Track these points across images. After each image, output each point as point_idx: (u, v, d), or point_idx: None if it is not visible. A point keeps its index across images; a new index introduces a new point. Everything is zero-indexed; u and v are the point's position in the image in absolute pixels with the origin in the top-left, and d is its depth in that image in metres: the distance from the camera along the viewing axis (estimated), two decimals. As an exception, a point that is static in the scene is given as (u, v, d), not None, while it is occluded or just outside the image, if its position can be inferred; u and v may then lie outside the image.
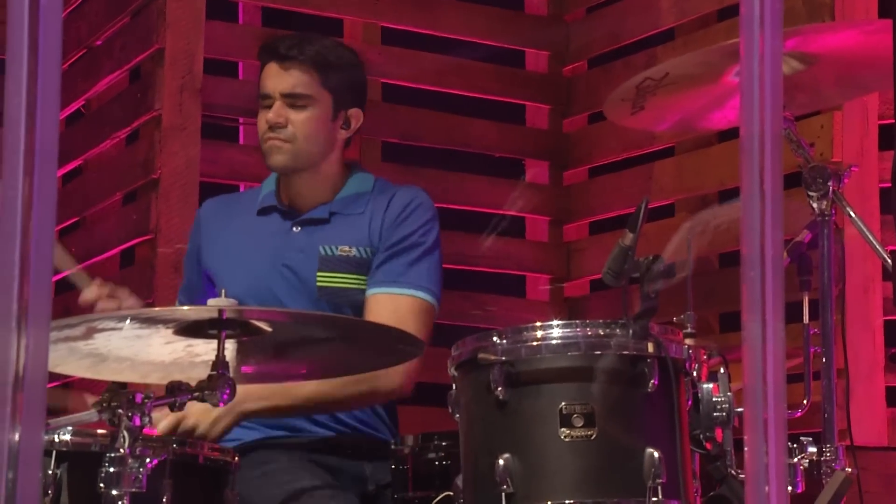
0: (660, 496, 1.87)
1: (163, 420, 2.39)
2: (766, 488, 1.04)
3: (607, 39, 4.10)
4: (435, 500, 2.27)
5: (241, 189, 3.70)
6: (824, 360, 2.35)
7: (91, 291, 2.59)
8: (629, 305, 1.95)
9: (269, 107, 2.68)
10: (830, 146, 3.35)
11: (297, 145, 2.67)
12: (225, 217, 2.81)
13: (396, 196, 2.72)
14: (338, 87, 2.71)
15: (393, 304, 2.60)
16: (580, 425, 1.88)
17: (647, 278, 1.91)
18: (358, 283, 2.66)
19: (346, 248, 2.67)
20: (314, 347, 2.14)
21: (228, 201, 2.91)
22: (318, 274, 2.66)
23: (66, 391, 3.00)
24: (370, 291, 2.64)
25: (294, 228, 2.72)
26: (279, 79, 2.67)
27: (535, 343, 1.94)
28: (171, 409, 1.88)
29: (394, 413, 2.74)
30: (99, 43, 3.92)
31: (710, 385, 2.08)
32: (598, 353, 1.92)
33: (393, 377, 2.58)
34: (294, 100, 2.67)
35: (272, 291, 2.65)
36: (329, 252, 2.67)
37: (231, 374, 1.92)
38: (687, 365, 2.00)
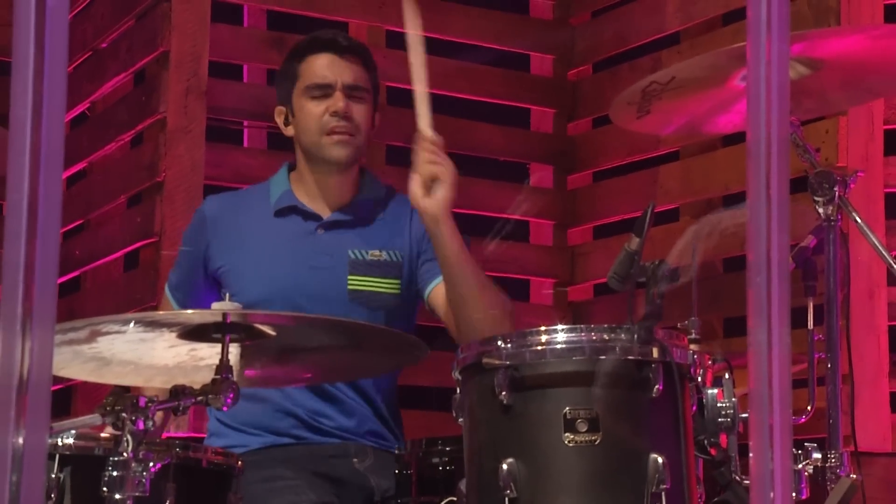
0: (664, 502, 1.87)
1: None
2: (771, 494, 1.04)
3: (613, 43, 4.10)
4: (439, 505, 2.26)
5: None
6: (829, 365, 2.34)
7: None
8: (634, 310, 1.95)
9: (323, 96, 2.67)
10: (836, 151, 3.34)
11: (358, 139, 2.68)
12: (235, 216, 2.73)
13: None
14: (376, 87, 2.77)
15: None
16: (584, 430, 1.88)
17: (652, 282, 1.91)
18: (389, 287, 2.65)
19: (377, 253, 2.67)
20: (318, 351, 2.14)
21: (234, 199, 2.83)
22: (350, 277, 2.65)
23: None
24: (436, 280, 2.65)
25: (318, 231, 2.70)
26: (342, 69, 2.68)
27: (539, 347, 1.94)
28: (175, 414, 1.88)
29: (399, 421, 2.73)
30: (104, 45, 3.92)
31: (715, 390, 2.08)
32: (603, 357, 1.92)
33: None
34: (355, 91, 2.68)
35: (298, 294, 2.60)
36: (359, 256, 2.66)
37: (235, 378, 1.92)
38: (692, 370, 1.99)
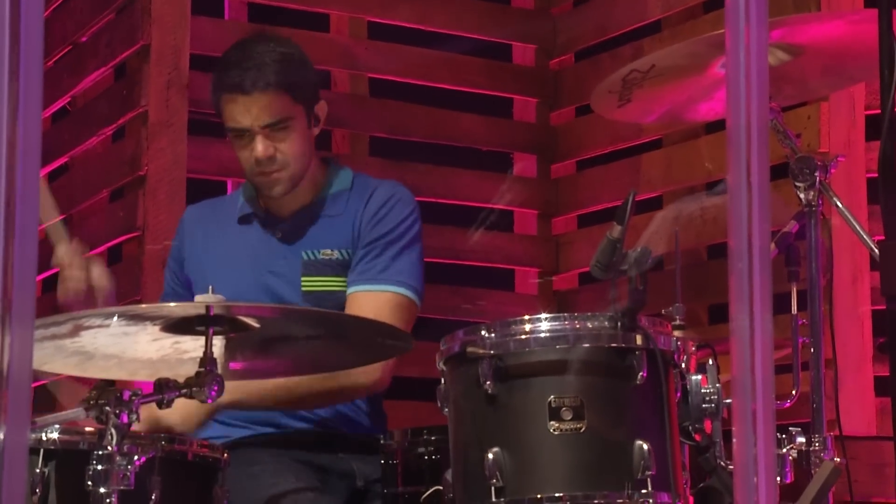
0: (649, 488, 1.87)
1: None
2: (755, 479, 1.05)
3: (594, 32, 4.10)
4: (424, 495, 2.27)
5: (229, 185, 3.68)
6: (813, 350, 2.35)
7: (63, 252, 2.56)
8: (617, 298, 1.95)
9: (245, 139, 2.61)
10: (818, 137, 3.35)
11: (290, 170, 2.63)
12: (206, 225, 2.79)
13: (376, 193, 2.70)
14: (305, 95, 2.65)
15: (373, 302, 2.59)
16: (569, 418, 1.88)
17: (632, 270, 1.91)
18: (342, 286, 2.65)
19: (329, 252, 2.66)
20: (302, 343, 2.14)
21: (209, 208, 2.88)
22: (303, 278, 2.65)
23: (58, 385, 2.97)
24: (350, 290, 2.63)
25: (276, 235, 2.71)
26: (253, 111, 2.58)
27: (523, 336, 1.94)
28: (160, 407, 1.88)
29: (379, 407, 2.73)
30: (84, 40, 3.91)
31: (699, 377, 2.08)
32: (587, 345, 1.92)
33: (370, 372, 2.56)
34: (274, 126, 2.60)
35: (258, 299, 2.62)
36: (312, 256, 2.66)
37: (219, 371, 1.92)
38: (675, 357, 2.00)
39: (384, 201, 2.67)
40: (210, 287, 1.92)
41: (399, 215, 2.66)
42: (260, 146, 2.60)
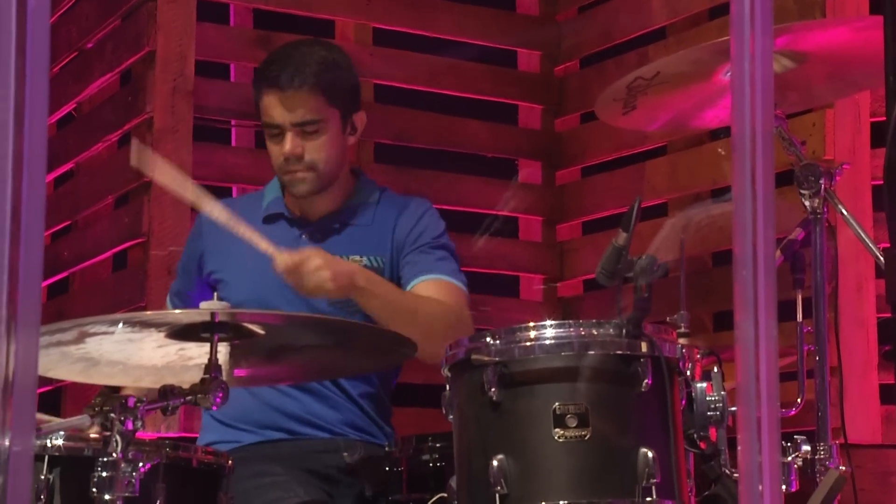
0: (654, 496, 1.87)
1: (282, 256, 2.42)
2: (760, 487, 1.04)
3: (599, 39, 4.10)
4: (429, 502, 2.27)
5: (233, 192, 3.69)
6: (818, 358, 2.35)
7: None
8: (622, 305, 1.95)
9: (278, 135, 2.65)
10: (823, 144, 3.35)
11: (318, 171, 2.66)
12: None
13: (410, 206, 2.75)
14: (342, 99, 2.70)
15: (436, 288, 2.64)
16: (574, 425, 1.88)
17: (639, 277, 1.91)
18: None
19: (358, 258, 2.68)
20: (307, 350, 2.14)
21: (229, 206, 2.86)
22: None
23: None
24: (413, 282, 2.66)
25: (303, 237, 2.72)
26: (287, 109, 2.63)
27: (528, 343, 1.94)
28: (164, 414, 1.88)
29: (387, 418, 2.74)
30: (90, 46, 3.91)
31: (704, 384, 2.08)
32: (592, 352, 1.92)
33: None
34: (305, 127, 2.64)
35: (281, 299, 2.63)
36: None
37: (224, 378, 1.92)
38: (680, 364, 1.99)
39: (421, 214, 2.74)
40: (215, 294, 1.93)
41: (438, 228, 2.75)
42: (288, 143, 2.64)
